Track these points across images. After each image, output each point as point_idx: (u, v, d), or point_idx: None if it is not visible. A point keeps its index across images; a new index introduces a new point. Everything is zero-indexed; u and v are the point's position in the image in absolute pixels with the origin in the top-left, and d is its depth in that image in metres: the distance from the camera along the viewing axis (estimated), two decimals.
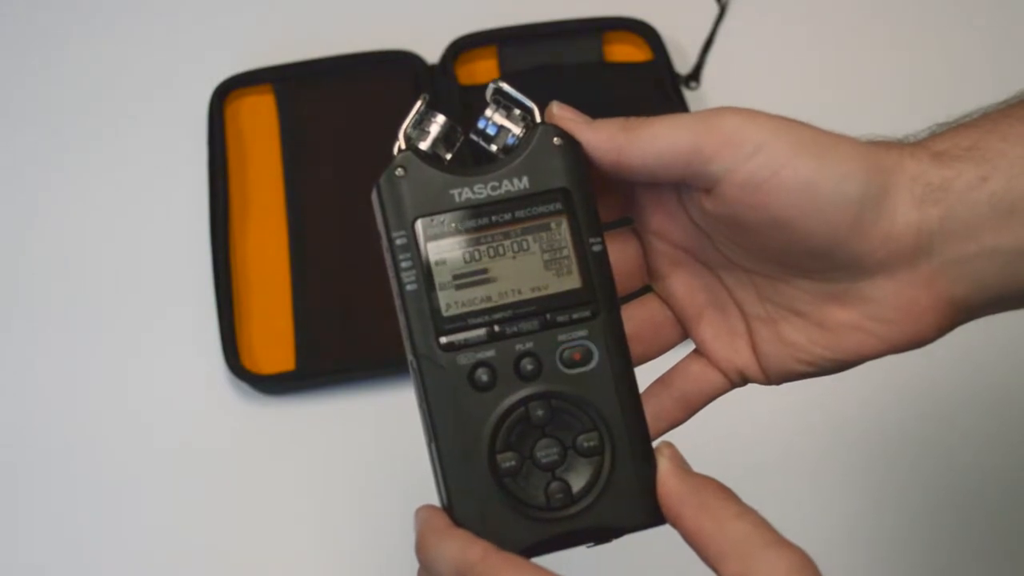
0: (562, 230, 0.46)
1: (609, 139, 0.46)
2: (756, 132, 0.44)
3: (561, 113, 0.47)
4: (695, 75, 0.95)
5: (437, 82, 0.92)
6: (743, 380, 0.50)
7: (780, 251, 0.46)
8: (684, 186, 0.47)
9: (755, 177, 0.44)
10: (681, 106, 0.90)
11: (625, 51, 0.95)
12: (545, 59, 0.93)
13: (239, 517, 0.79)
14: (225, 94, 0.92)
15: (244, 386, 0.82)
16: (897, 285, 0.45)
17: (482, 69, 0.94)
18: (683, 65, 0.95)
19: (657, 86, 0.92)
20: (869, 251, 0.45)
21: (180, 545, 0.78)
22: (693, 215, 0.48)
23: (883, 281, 0.45)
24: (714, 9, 0.98)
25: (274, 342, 0.84)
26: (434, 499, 0.45)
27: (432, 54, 0.93)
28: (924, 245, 0.45)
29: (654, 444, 0.45)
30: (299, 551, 0.78)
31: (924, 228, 0.44)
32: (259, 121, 0.92)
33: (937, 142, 0.46)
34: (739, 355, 0.49)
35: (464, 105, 0.90)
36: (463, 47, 0.94)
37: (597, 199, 0.47)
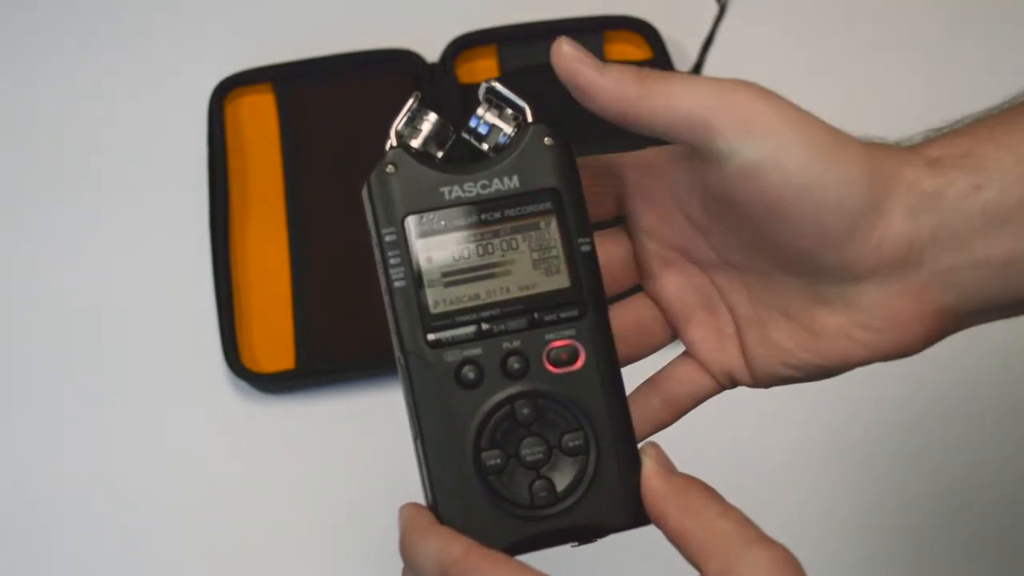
0: (551, 229, 0.46)
1: (619, 88, 0.44)
2: (769, 119, 0.43)
3: (571, 52, 0.45)
4: (695, 74, 0.95)
5: (437, 81, 0.92)
6: (731, 383, 0.49)
7: (771, 245, 0.45)
8: (689, 152, 0.46)
9: (759, 165, 0.43)
10: None
11: (625, 50, 0.95)
12: (545, 58, 0.92)
13: (239, 515, 0.79)
14: (225, 93, 0.92)
15: (244, 385, 0.83)
16: (884, 294, 0.45)
17: (482, 68, 0.94)
18: (683, 64, 0.95)
19: None
20: (859, 258, 0.44)
21: (180, 543, 0.79)
22: (688, 200, 0.47)
23: (871, 288, 0.45)
24: (714, 8, 0.98)
25: (274, 341, 0.84)
26: None
27: (432, 53, 0.93)
28: (915, 256, 0.44)
29: (640, 445, 0.46)
30: (298, 549, 0.78)
31: (916, 239, 0.44)
32: (259, 120, 0.92)
33: (933, 148, 0.45)
34: (727, 357, 0.49)
35: (464, 104, 0.90)
36: (463, 46, 0.94)
37: (588, 198, 0.47)
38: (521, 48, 0.94)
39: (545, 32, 0.94)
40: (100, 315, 0.86)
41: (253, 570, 0.78)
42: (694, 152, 0.46)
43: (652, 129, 0.45)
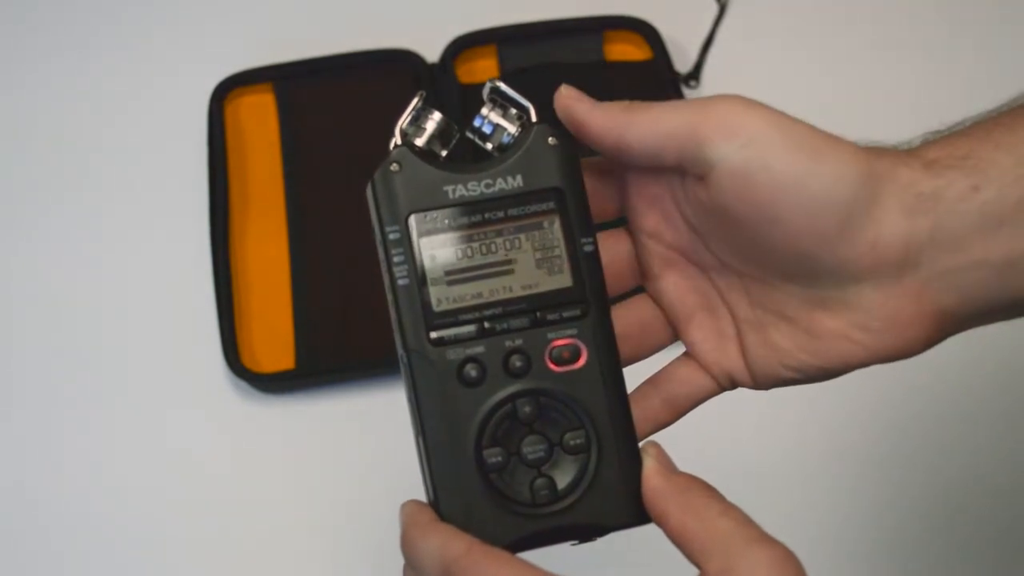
0: (554, 229, 0.46)
1: (611, 119, 0.46)
2: (752, 123, 0.44)
3: (568, 93, 0.47)
4: (695, 74, 0.95)
5: (437, 81, 0.92)
6: (731, 384, 0.49)
7: (768, 250, 0.46)
8: (680, 173, 0.47)
9: (746, 168, 0.44)
10: None
11: (625, 50, 0.95)
12: (545, 58, 0.93)
13: (239, 515, 0.79)
14: (225, 93, 0.92)
15: (244, 385, 0.83)
16: (882, 295, 0.45)
17: (482, 68, 0.94)
18: (683, 64, 0.95)
19: (657, 85, 0.92)
20: (855, 257, 0.44)
21: (180, 543, 0.79)
22: (686, 208, 0.48)
23: (868, 290, 0.45)
24: (714, 8, 0.98)
25: (274, 341, 0.84)
26: None
27: (432, 53, 0.93)
28: (912, 257, 0.44)
29: (640, 444, 0.46)
30: (298, 549, 0.78)
31: (913, 240, 0.44)
32: (259, 120, 0.92)
33: (931, 150, 0.45)
34: (728, 358, 0.49)
35: (464, 104, 0.90)
36: (463, 46, 0.94)
37: (591, 199, 0.47)
38: (521, 48, 0.94)
39: (545, 32, 0.94)
40: (100, 315, 0.86)
41: (253, 570, 0.78)
42: (685, 172, 0.46)
43: (643, 152, 0.46)
